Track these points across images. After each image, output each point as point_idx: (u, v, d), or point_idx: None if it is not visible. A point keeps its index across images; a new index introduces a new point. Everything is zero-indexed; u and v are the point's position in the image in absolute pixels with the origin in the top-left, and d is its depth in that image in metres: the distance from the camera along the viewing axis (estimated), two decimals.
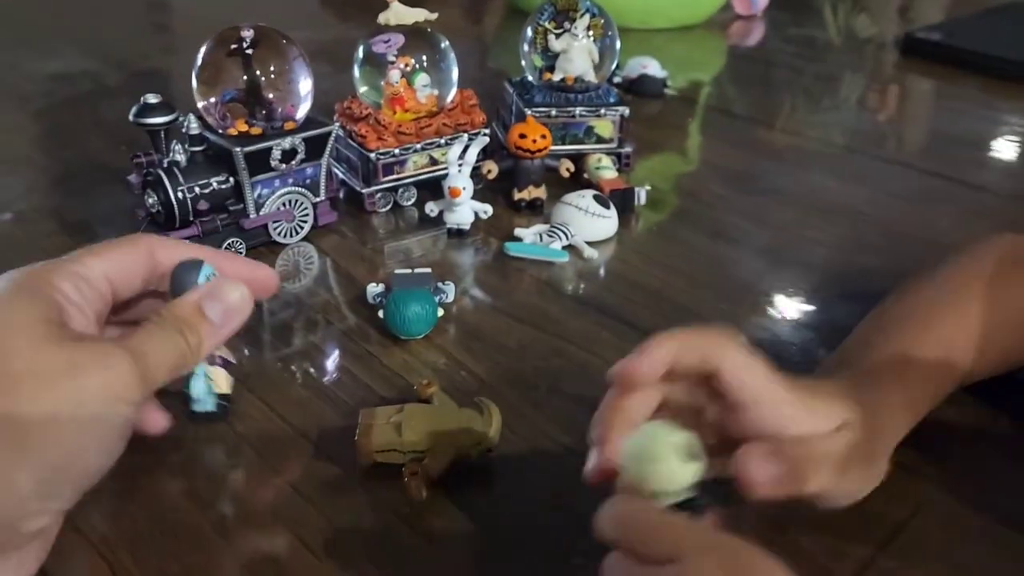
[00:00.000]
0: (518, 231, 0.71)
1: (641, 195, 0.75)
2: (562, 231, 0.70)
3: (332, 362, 0.57)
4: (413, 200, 0.76)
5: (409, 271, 0.62)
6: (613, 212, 0.72)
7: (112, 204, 0.77)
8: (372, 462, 0.45)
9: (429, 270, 0.63)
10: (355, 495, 0.45)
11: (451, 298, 0.62)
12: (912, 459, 0.46)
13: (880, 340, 0.49)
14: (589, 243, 0.70)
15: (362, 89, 0.75)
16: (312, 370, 0.55)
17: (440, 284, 0.62)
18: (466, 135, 0.75)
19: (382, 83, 0.74)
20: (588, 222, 0.70)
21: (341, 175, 0.76)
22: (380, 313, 0.58)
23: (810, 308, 0.64)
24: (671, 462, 0.33)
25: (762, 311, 0.63)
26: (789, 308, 0.64)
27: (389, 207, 0.76)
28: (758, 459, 0.37)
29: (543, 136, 0.73)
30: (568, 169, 0.76)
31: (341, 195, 0.75)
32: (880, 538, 0.43)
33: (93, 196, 0.79)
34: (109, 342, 0.36)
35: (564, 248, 0.69)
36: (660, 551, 0.32)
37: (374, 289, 0.61)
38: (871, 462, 0.42)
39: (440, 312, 0.58)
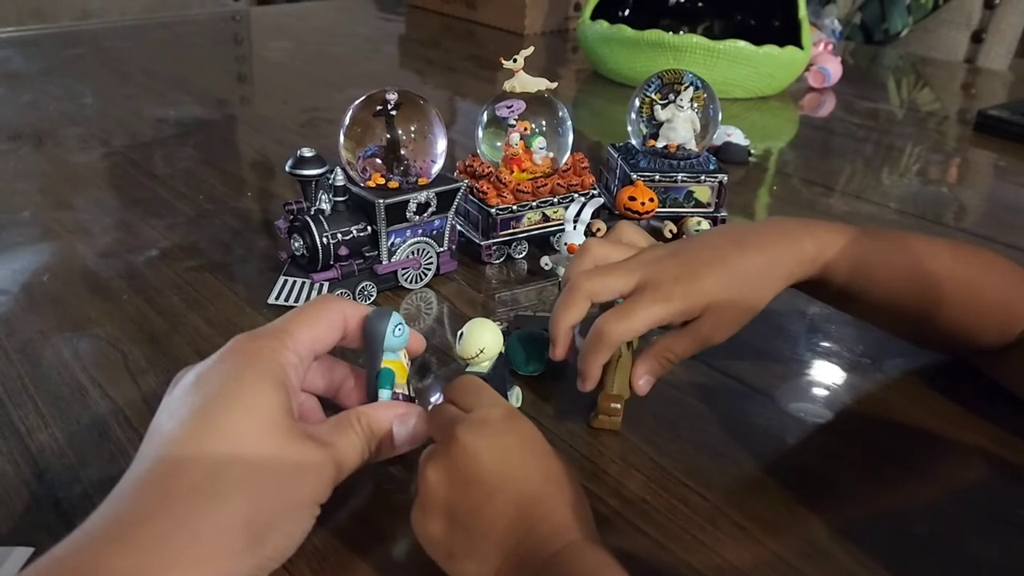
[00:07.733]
0: None
1: None
2: None
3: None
4: (524, 253, 0.82)
5: (531, 314, 0.67)
6: None
7: (244, 243, 0.83)
8: None
9: (550, 314, 0.67)
10: None
11: None
12: None
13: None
14: None
15: (484, 148, 0.81)
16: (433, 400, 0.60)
17: None
18: (577, 195, 0.80)
19: (499, 144, 0.80)
20: None
21: (460, 227, 0.82)
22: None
23: (904, 363, 0.67)
24: (482, 337, 0.54)
25: (863, 368, 0.67)
26: (891, 367, 0.67)
27: (503, 259, 0.81)
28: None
29: (651, 199, 0.78)
30: (671, 231, 0.81)
31: (455, 246, 0.80)
32: None
33: (226, 235, 0.85)
34: (323, 450, 0.43)
35: None
36: (465, 403, 0.46)
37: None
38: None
39: None
